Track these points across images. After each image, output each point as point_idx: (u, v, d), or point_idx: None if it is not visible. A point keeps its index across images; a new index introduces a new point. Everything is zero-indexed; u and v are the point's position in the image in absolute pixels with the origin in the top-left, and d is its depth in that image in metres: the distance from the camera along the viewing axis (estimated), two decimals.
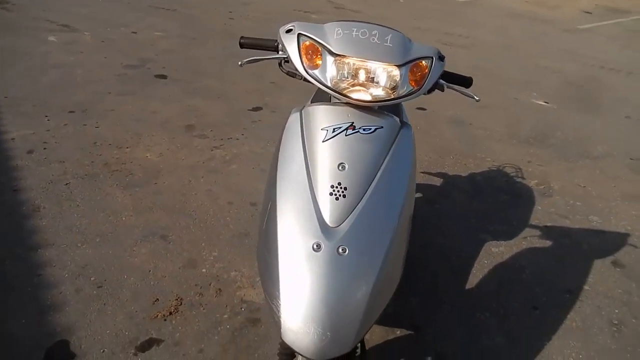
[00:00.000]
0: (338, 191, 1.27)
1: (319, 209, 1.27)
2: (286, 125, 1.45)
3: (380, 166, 1.33)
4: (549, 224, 2.96)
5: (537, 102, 5.22)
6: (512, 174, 3.59)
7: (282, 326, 1.18)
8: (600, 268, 2.58)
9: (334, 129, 1.34)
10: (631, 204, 3.29)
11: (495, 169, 3.65)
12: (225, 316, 2.01)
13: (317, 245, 1.22)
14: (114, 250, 2.31)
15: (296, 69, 1.42)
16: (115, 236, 2.42)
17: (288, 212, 1.28)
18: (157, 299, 2.05)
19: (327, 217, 1.26)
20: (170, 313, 1.98)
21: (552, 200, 3.23)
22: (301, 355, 1.20)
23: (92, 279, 2.12)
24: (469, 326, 2.08)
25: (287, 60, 1.50)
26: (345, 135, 1.34)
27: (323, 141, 1.34)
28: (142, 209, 2.66)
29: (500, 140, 4.15)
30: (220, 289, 2.15)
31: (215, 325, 1.95)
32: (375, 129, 1.36)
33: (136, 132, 3.55)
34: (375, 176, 1.31)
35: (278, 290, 1.20)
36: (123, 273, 2.17)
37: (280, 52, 1.57)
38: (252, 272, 2.27)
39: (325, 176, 1.30)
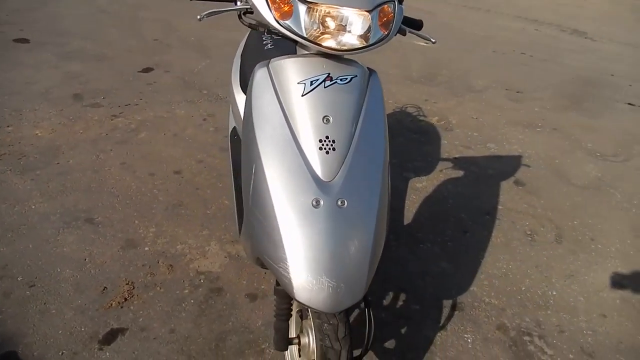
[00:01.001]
0: (327, 145, 1.26)
1: (310, 164, 1.24)
2: (253, 83, 1.37)
3: (359, 116, 1.33)
4: (457, 156, 3.24)
5: (419, 42, 5.54)
6: (414, 113, 3.82)
7: (294, 286, 1.16)
8: (506, 188, 2.92)
9: (311, 81, 1.30)
10: (517, 129, 3.73)
11: (399, 110, 3.85)
12: (186, 291, 1.91)
13: (316, 202, 1.20)
14: (34, 244, 2.03)
15: (262, 20, 1.33)
16: (30, 228, 2.12)
17: (278, 171, 1.24)
18: (105, 287, 1.87)
19: (320, 172, 1.24)
20: (125, 299, 1.83)
21: (454, 134, 3.53)
22: (317, 310, 1.21)
23: (19, 279, 1.86)
24: (418, 257, 2.25)
25: (250, 11, 1.40)
26: (324, 87, 1.30)
27: (302, 95, 1.29)
28: (52, 194, 2.35)
29: (396, 83, 4.37)
30: (171, 264, 2.03)
31: (179, 302, 1.86)
32: (351, 78, 1.34)
33: (14, 108, 3.07)
34: (357, 126, 1.31)
35: (284, 252, 1.18)
36: (55, 266, 1.94)
37: (239, 3, 1.44)
38: (199, 242, 2.17)
39: (311, 131, 1.26)
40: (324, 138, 1.26)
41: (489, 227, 2.55)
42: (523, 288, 2.14)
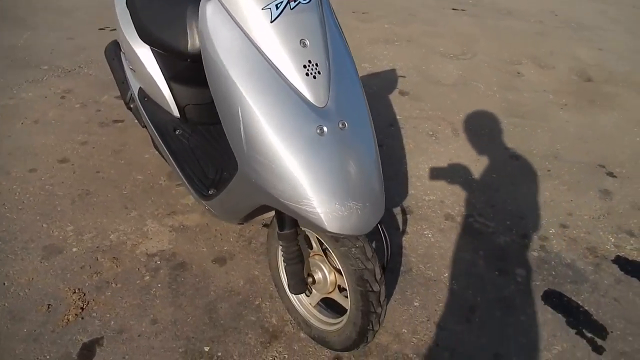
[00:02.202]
0: (312, 69, 1.19)
1: (301, 92, 1.17)
2: (206, 21, 1.20)
3: (326, 35, 1.27)
4: None
5: None
6: None
7: (324, 219, 1.13)
8: (395, 100, 3.12)
9: (276, 5, 1.19)
10: (379, 46, 3.94)
11: None
12: (147, 278, 1.71)
13: (319, 129, 1.16)
14: None
15: None
16: None
17: (272, 106, 1.15)
18: (49, 305, 1.57)
19: (313, 99, 1.18)
20: (82, 308, 1.57)
21: None
22: (347, 236, 1.19)
23: None
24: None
25: None
26: (291, 9, 1.21)
27: (272, 21, 1.18)
28: None
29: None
30: (114, 257, 1.78)
31: (146, 291, 1.65)
32: None
33: None
34: (327, 46, 1.26)
35: (304, 188, 1.12)
36: None
37: None
38: (132, 224, 1.93)
39: (291, 57, 1.17)
40: (306, 63, 1.18)
41: (397, 136, 2.72)
42: (448, 180, 2.38)
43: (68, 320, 1.53)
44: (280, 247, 1.37)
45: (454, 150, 2.62)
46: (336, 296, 1.42)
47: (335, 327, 1.42)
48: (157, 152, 2.14)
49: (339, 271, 1.38)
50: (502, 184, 2.38)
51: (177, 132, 1.80)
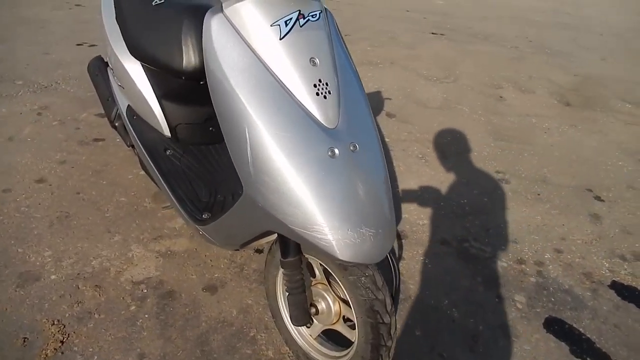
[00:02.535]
0: (322, 89, 1.14)
1: (311, 112, 1.12)
2: (211, 36, 1.13)
3: (334, 52, 1.23)
4: None
5: None
6: None
7: (336, 246, 1.06)
8: (382, 122, 3.10)
9: (285, 22, 1.14)
10: (364, 68, 3.95)
11: None
12: (133, 308, 1.59)
13: (331, 152, 1.10)
14: None
15: None
16: None
17: (282, 126, 1.09)
18: (25, 338, 1.44)
19: (323, 119, 1.13)
20: (61, 342, 1.44)
21: None
22: (362, 264, 1.13)
23: None
24: None
25: None
26: (300, 27, 1.16)
27: (281, 38, 1.12)
28: None
29: None
30: (97, 285, 1.66)
31: (132, 322, 1.54)
32: (319, 13, 1.22)
33: None
34: (336, 64, 1.21)
35: (315, 213, 1.06)
36: None
37: None
38: (116, 249, 1.81)
39: (301, 76, 1.12)
40: (317, 82, 1.13)
41: (387, 158, 2.69)
42: (441, 204, 2.34)
43: (46, 355, 1.40)
44: (283, 276, 1.29)
45: (444, 173, 2.60)
46: (340, 328, 1.34)
47: None
48: (143, 173, 2.04)
49: (344, 301, 1.31)
50: (495, 207, 2.37)
51: (167, 153, 1.71)
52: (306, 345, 1.43)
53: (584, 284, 1.94)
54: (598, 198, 2.55)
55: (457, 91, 3.71)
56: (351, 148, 1.14)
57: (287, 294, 1.31)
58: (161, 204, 2.06)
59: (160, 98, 1.66)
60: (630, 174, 2.81)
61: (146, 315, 1.57)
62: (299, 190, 1.06)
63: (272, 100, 1.10)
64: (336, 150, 1.11)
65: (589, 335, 1.69)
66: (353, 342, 1.30)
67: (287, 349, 1.50)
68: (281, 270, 1.38)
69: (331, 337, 1.44)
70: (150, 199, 2.11)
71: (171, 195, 1.57)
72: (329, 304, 1.32)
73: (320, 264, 1.31)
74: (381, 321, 1.17)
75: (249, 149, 1.10)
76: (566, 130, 3.29)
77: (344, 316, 1.33)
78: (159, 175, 1.62)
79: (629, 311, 1.83)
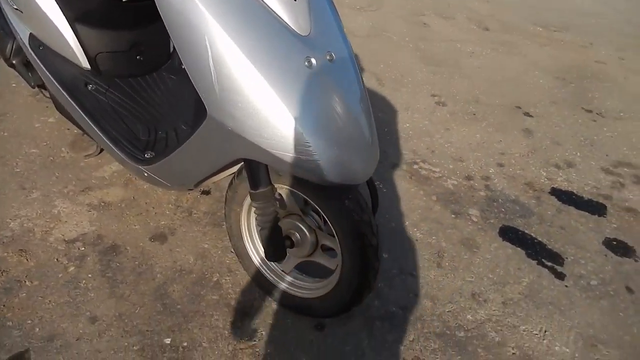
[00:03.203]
0: None
1: (280, 17, 0.96)
2: None
3: None
4: None
5: None
6: None
7: (324, 167, 0.96)
8: None
9: None
10: None
11: None
12: (72, 269, 1.38)
13: (308, 62, 0.97)
14: None
15: None
16: None
17: (249, 35, 0.92)
18: None
19: (294, 25, 0.98)
20: None
21: None
22: (350, 184, 1.03)
23: None
24: None
25: None
26: None
27: None
28: None
29: None
30: (21, 249, 1.41)
31: (73, 285, 1.33)
32: None
33: None
34: None
35: (298, 132, 0.93)
36: None
37: None
38: (37, 207, 1.55)
39: None
40: None
41: None
42: (385, 129, 2.29)
43: None
44: (255, 209, 1.16)
45: (382, 100, 2.54)
46: (318, 258, 1.25)
47: (320, 292, 1.26)
48: (53, 120, 1.76)
49: (320, 230, 1.21)
50: (436, 129, 2.36)
51: (89, 88, 1.45)
52: (280, 282, 1.33)
53: (527, 193, 2.02)
54: (527, 114, 2.64)
55: (382, 19, 3.62)
56: (327, 57, 1.01)
57: (259, 228, 1.19)
58: (82, 152, 1.79)
59: (73, 22, 1.38)
60: (551, 90, 2.95)
61: (89, 275, 1.37)
62: (277, 108, 0.92)
63: (238, 5, 0.92)
64: (313, 60, 0.97)
65: (540, 239, 1.77)
66: (334, 271, 1.22)
67: (258, 289, 1.39)
68: (247, 206, 1.25)
69: (305, 270, 1.35)
70: (68, 147, 1.82)
71: (103, 137, 1.34)
72: (304, 235, 1.22)
73: (292, 193, 1.19)
74: (369, 244, 1.10)
75: (211, 62, 0.92)
76: (489, 53, 3.36)
77: (322, 245, 1.24)
78: (83, 115, 1.37)
79: (570, 213, 1.93)
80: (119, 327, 1.24)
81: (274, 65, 0.92)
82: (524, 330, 1.40)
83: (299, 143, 0.93)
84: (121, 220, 1.56)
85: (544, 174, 2.16)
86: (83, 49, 1.42)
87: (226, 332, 1.27)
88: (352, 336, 1.31)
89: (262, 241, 1.20)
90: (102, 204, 1.62)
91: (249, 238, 1.34)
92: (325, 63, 0.99)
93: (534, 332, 1.40)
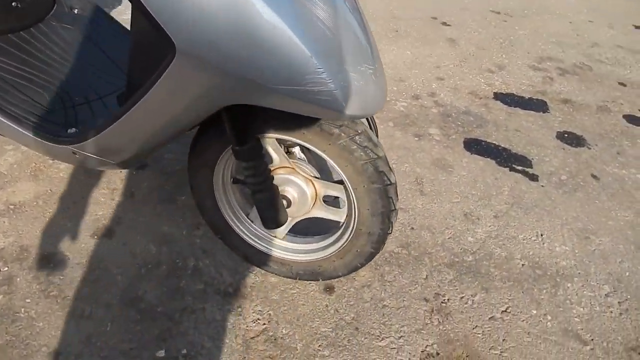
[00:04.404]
0: None
1: None
2: None
3: None
4: None
5: None
6: None
7: (341, 97, 0.76)
8: None
9: None
10: None
11: None
12: (1, 298, 1.04)
13: None
14: None
15: None
16: None
17: None
18: None
19: None
20: None
21: None
22: (362, 116, 0.83)
23: None
24: None
25: None
26: None
27: None
28: None
29: None
30: None
31: (13, 312, 1.01)
32: None
33: None
34: None
35: (306, 57, 0.71)
36: None
37: None
38: None
39: None
40: None
41: None
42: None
43: None
44: (243, 171, 0.93)
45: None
46: (320, 212, 1.06)
47: (328, 251, 1.08)
48: None
49: (316, 178, 1.02)
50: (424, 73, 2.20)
51: None
52: (276, 250, 1.13)
53: (475, 102, 1.97)
54: (444, 23, 2.58)
55: None
56: None
57: (251, 192, 0.96)
58: None
59: None
60: None
61: (28, 300, 1.05)
62: (276, 27, 0.68)
63: None
64: None
65: (503, 145, 1.74)
66: (342, 223, 1.05)
67: (247, 264, 1.18)
68: (222, 169, 1.01)
69: (296, 231, 1.15)
70: None
71: (2, 119, 0.98)
72: (301, 189, 1.02)
73: (277, 143, 0.97)
74: (388, 182, 0.93)
75: None
76: None
77: (323, 197, 1.04)
78: None
79: (518, 114, 1.93)
80: (92, 354, 0.97)
81: None
82: (523, 239, 1.37)
83: (308, 70, 0.71)
84: (44, 221, 1.22)
85: (482, 80, 2.12)
86: None
87: (228, 323, 1.06)
88: (366, 290, 1.17)
89: (258, 207, 0.98)
90: (11, 207, 1.24)
91: (227, 206, 1.10)
92: None
93: (532, 238, 1.38)
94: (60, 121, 1.01)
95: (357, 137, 0.88)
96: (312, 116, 0.81)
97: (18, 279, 1.08)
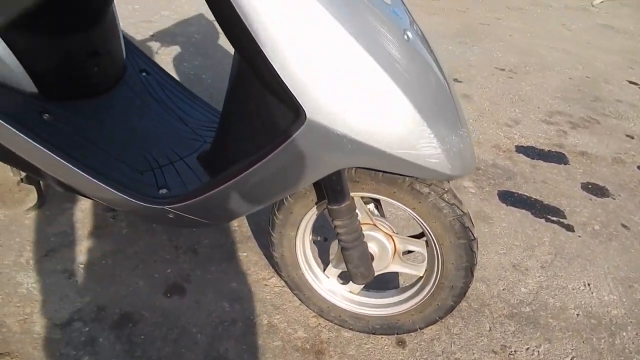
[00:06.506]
0: None
1: None
2: None
3: None
4: None
5: None
6: None
7: (447, 159, 0.83)
8: None
9: None
10: None
11: None
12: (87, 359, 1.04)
13: (406, 35, 0.81)
14: None
15: None
16: None
17: (351, 10, 0.74)
18: None
19: None
20: None
21: None
22: (458, 176, 0.90)
23: None
24: None
25: None
26: None
27: None
28: None
29: None
30: (4, 353, 1.02)
31: None
32: None
33: None
34: None
35: (419, 122, 0.78)
36: None
37: None
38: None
39: None
40: None
41: None
42: None
43: None
44: (336, 228, 0.97)
45: None
46: (398, 267, 1.10)
47: (408, 305, 1.11)
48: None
49: (395, 234, 1.07)
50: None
51: (45, 118, 1.09)
52: (352, 305, 1.16)
53: (499, 155, 2.07)
54: (456, 80, 2.73)
55: None
56: (414, 27, 0.86)
57: (341, 249, 1.00)
58: (19, 206, 1.37)
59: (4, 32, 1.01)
60: (462, 54, 3.09)
61: None
62: (394, 95, 0.75)
63: None
64: (409, 34, 0.82)
65: (535, 197, 1.82)
66: (420, 278, 1.09)
67: (320, 320, 1.20)
68: (304, 227, 1.06)
69: (367, 286, 1.18)
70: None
71: (90, 178, 1.01)
72: (382, 244, 1.07)
73: (361, 201, 1.03)
74: (472, 237, 0.98)
75: (312, 47, 0.71)
76: None
77: (402, 252, 1.09)
78: (53, 156, 1.01)
79: (542, 167, 2.03)
80: None
81: (379, 43, 0.75)
82: (572, 289, 1.42)
83: (421, 135, 0.78)
84: (116, 280, 1.23)
85: (502, 134, 2.24)
86: (24, 66, 1.05)
87: None
88: (436, 343, 1.20)
89: (348, 263, 1.01)
90: (80, 265, 1.25)
91: (306, 264, 1.14)
92: (414, 34, 0.84)
93: (581, 287, 1.43)
94: (151, 182, 1.05)
95: (445, 195, 0.95)
96: (415, 176, 0.88)
97: (100, 339, 1.08)
